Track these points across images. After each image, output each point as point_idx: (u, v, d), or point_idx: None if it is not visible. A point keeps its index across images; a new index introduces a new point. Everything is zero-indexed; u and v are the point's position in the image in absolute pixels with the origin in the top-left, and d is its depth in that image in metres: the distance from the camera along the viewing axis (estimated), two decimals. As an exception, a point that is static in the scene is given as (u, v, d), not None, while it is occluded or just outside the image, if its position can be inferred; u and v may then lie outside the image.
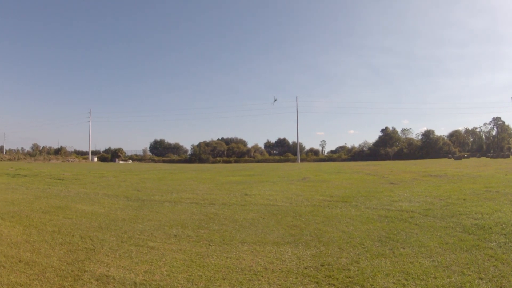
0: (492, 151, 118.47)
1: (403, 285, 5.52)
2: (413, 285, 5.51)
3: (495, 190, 16.65)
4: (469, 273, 5.99)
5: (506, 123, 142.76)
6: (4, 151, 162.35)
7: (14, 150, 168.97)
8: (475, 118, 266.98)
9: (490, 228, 9.24)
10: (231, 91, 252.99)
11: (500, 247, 7.58)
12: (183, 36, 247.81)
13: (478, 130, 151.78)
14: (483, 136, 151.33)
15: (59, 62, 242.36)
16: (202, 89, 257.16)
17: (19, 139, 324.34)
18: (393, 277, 5.85)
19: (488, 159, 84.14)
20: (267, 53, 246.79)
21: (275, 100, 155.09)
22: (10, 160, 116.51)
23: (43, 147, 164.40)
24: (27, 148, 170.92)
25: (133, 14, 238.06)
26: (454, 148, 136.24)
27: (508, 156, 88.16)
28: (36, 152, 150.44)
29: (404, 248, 7.55)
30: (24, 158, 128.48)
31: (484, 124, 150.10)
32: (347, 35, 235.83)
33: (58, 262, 6.97)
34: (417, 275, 5.89)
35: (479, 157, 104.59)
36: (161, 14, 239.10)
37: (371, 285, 5.54)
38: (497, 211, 11.41)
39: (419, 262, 6.57)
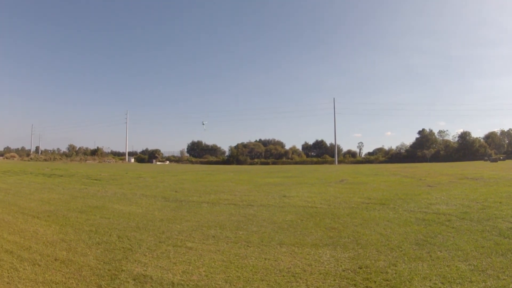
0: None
1: (440, 288, 5.56)
2: (449, 288, 5.54)
3: (532, 193, 16.36)
4: (504, 277, 6.00)
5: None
6: (40, 152, 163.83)
7: (50, 150, 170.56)
8: (511, 120, 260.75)
9: (527, 232, 9.17)
10: (269, 93, 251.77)
11: (536, 252, 7.52)
12: (222, 39, 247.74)
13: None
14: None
15: (97, 64, 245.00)
16: (240, 91, 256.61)
17: (55, 140, 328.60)
18: (430, 280, 5.87)
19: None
20: (305, 55, 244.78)
21: (203, 124, 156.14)
22: (45, 160, 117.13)
23: (79, 148, 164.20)
24: (63, 148, 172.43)
25: (172, 18, 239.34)
26: (490, 150, 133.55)
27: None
28: (72, 153, 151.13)
29: (441, 252, 7.54)
30: (60, 158, 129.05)
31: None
32: (383, 36, 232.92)
33: (94, 261, 7.09)
34: (453, 279, 5.90)
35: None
36: (199, 19, 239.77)
37: (408, 288, 5.57)
38: (533, 215, 11.29)
39: (456, 266, 6.57)
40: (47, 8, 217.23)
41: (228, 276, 6.25)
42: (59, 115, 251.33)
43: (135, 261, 7.12)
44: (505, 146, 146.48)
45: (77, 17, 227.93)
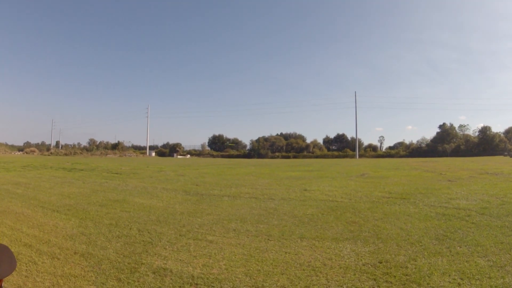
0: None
1: (459, 284, 5.55)
2: (468, 284, 5.53)
3: (551, 188, 16.23)
4: (523, 273, 6.03)
5: None
6: (60, 146, 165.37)
7: (71, 145, 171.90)
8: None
9: (546, 227, 9.15)
10: (290, 87, 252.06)
11: (556, 247, 7.51)
12: (244, 33, 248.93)
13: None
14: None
15: (119, 59, 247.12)
16: (261, 85, 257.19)
17: (76, 134, 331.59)
18: (449, 276, 5.90)
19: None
20: (326, 50, 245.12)
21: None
22: (66, 155, 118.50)
23: (100, 142, 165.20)
24: (84, 143, 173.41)
25: (194, 15, 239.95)
26: (510, 146, 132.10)
27: None
28: (93, 147, 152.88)
29: (460, 247, 7.55)
30: (81, 153, 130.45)
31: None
32: (404, 30, 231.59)
33: (114, 254, 7.17)
34: (472, 275, 5.91)
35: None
36: (221, 15, 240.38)
37: (428, 284, 5.57)
38: (553, 210, 11.23)
39: (475, 261, 6.58)
40: (70, 5, 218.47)
41: (249, 270, 6.29)
42: (80, 110, 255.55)
43: (155, 254, 7.21)
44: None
45: (98, 14, 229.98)
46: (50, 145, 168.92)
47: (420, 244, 7.86)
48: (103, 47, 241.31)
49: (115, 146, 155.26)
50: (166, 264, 6.59)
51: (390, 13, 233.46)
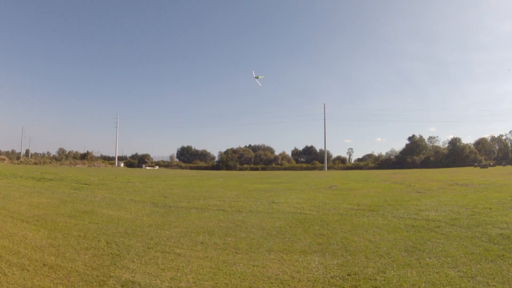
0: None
1: (429, 295, 5.54)
2: (438, 295, 5.52)
3: (521, 199, 16.42)
4: (494, 283, 6.01)
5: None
6: (30, 155, 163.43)
7: (40, 154, 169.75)
8: (501, 125, 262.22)
9: (516, 238, 9.20)
10: (259, 98, 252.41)
11: (526, 257, 7.55)
12: (213, 43, 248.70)
13: (504, 137, 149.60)
14: (509, 144, 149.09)
15: (88, 69, 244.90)
16: (230, 96, 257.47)
17: (46, 143, 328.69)
18: (419, 287, 5.87)
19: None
20: (295, 61, 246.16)
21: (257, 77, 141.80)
22: (35, 164, 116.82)
23: (69, 152, 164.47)
24: (53, 152, 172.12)
25: (162, 24, 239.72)
26: (480, 156, 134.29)
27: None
28: (62, 157, 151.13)
29: (430, 258, 7.56)
30: (50, 162, 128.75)
31: (510, 131, 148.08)
32: (375, 41, 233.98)
33: (83, 266, 7.08)
34: (443, 286, 5.90)
35: (504, 165, 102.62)
36: (188, 25, 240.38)
37: (397, 296, 5.55)
38: (522, 220, 11.33)
39: (445, 273, 6.58)
40: (39, 12, 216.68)
41: (216, 283, 6.25)
42: (50, 119, 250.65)
43: (123, 267, 7.13)
44: (496, 152, 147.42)
45: (68, 22, 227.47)
46: (20, 153, 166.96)
47: (389, 256, 7.85)
48: (73, 57, 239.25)
49: (84, 156, 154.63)
50: (134, 277, 6.55)
51: (361, 24, 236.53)
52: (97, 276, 6.52)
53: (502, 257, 7.56)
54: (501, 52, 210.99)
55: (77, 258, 7.65)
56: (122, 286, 6.06)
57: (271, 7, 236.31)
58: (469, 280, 6.14)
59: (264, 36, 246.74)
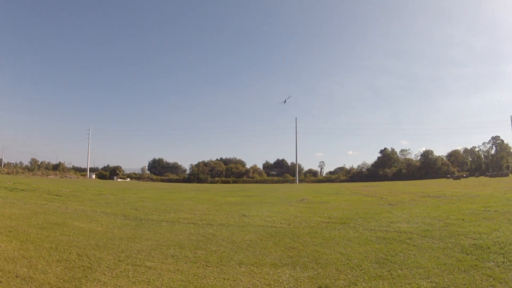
0: (491, 170, 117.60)
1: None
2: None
3: (494, 209, 16.65)
4: (467, 294, 5.99)
5: (505, 142, 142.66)
6: (3, 165, 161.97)
7: (13, 163, 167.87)
8: (475, 138, 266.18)
9: (488, 247, 9.31)
10: (231, 111, 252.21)
11: (498, 266, 7.67)
12: (185, 56, 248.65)
13: (477, 149, 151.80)
14: (482, 156, 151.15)
15: (61, 78, 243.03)
16: (201, 109, 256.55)
17: (19, 153, 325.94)
18: (391, 299, 5.84)
19: (487, 178, 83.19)
20: (267, 74, 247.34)
21: (286, 99, 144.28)
22: (8, 173, 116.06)
23: (42, 162, 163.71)
24: (26, 162, 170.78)
25: (136, 35, 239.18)
26: (453, 168, 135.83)
27: (507, 175, 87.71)
28: (35, 167, 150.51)
29: (402, 270, 7.58)
30: (23, 172, 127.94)
31: (483, 143, 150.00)
32: (348, 56, 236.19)
33: (55, 279, 7.04)
34: (415, 297, 5.88)
35: (478, 176, 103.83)
36: (163, 37, 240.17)
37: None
38: (495, 231, 11.45)
39: (417, 284, 6.61)
40: (13, 21, 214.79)
41: (187, 296, 6.10)
42: (23, 128, 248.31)
43: (95, 279, 7.16)
44: (469, 163, 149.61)
45: (41, 29, 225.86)
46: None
47: (360, 268, 7.85)
48: (46, 64, 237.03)
49: (56, 167, 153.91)
50: (105, 290, 6.43)
51: (334, 39, 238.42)
52: (69, 288, 6.40)
53: (475, 267, 7.62)
54: (475, 67, 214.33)
55: (49, 270, 7.65)
56: (94, 299, 5.94)
57: (247, 26, 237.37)
58: (441, 291, 6.10)
59: (238, 53, 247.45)
